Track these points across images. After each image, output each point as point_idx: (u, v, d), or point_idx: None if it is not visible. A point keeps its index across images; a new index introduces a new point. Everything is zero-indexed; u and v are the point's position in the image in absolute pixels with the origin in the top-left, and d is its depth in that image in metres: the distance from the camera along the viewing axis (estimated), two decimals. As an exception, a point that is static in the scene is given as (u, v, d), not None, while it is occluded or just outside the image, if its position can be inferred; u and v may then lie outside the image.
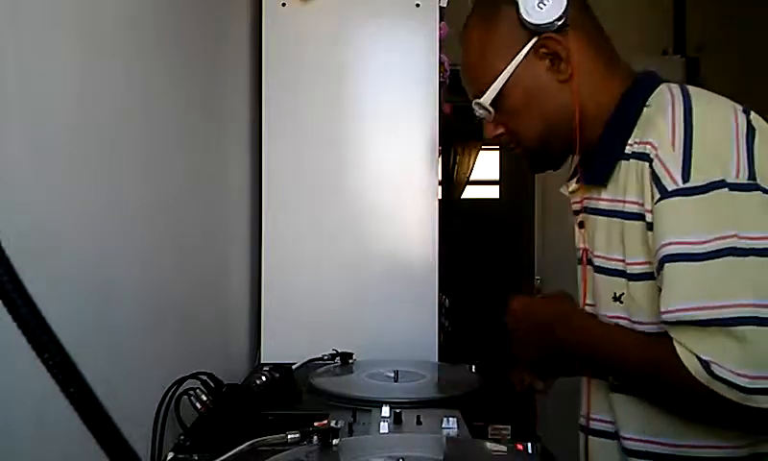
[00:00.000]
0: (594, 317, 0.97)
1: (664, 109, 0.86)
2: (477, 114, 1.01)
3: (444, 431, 0.96)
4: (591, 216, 0.98)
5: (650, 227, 0.84)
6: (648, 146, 0.85)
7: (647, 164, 0.84)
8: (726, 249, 0.77)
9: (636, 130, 0.89)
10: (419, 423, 1.00)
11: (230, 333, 1.53)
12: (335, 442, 0.85)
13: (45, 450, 0.69)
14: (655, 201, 0.83)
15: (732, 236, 0.77)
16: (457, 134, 5.58)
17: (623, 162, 0.90)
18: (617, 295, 0.92)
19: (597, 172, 0.94)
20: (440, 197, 1.69)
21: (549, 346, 1.00)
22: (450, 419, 0.97)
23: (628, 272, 0.89)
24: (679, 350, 0.79)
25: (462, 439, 0.94)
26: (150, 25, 1.00)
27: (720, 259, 0.77)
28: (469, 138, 5.84)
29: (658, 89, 0.91)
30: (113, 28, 0.86)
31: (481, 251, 5.42)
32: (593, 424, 1.00)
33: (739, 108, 0.87)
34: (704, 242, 0.78)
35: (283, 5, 1.61)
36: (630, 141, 0.89)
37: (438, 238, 1.63)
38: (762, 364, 0.74)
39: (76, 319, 0.74)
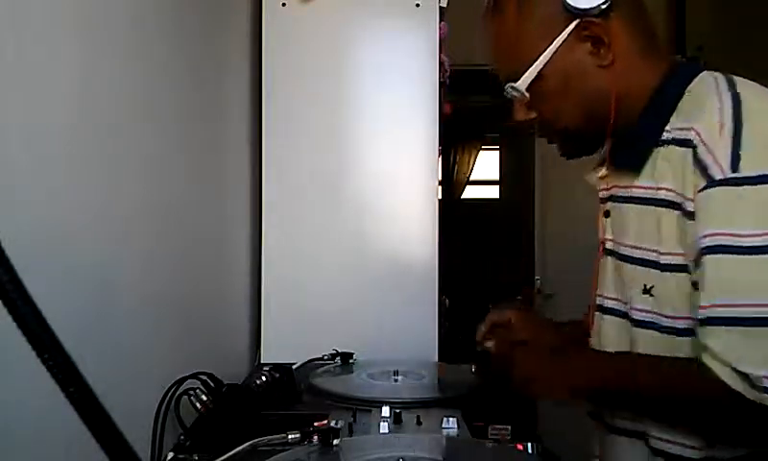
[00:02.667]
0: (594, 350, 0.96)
1: (709, 96, 0.83)
2: (508, 97, 0.96)
3: (444, 431, 0.96)
4: (622, 205, 0.93)
5: (689, 216, 0.80)
6: (692, 132, 0.81)
7: (690, 151, 0.81)
8: None
9: (674, 116, 0.86)
10: (419, 423, 1.00)
11: (230, 333, 1.53)
12: (335, 442, 0.85)
13: (45, 450, 0.69)
14: (699, 189, 0.79)
15: None
16: (457, 134, 5.59)
17: (660, 149, 0.86)
18: (647, 287, 0.87)
19: (632, 158, 0.90)
20: (440, 197, 1.69)
21: (558, 366, 0.94)
22: (450, 419, 0.97)
23: (661, 263, 0.85)
24: (708, 361, 0.75)
25: (462, 439, 0.94)
26: (150, 25, 0.99)
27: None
28: (469, 138, 5.85)
29: (700, 76, 0.87)
30: (113, 28, 0.86)
31: (481, 251, 5.42)
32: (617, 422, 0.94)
33: None
34: (753, 235, 0.74)
35: (283, 5, 1.61)
36: (667, 128, 0.86)
37: (438, 238, 1.63)
38: None
39: (76, 319, 0.74)
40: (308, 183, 1.62)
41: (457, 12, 1.74)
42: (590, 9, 0.87)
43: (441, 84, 1.65)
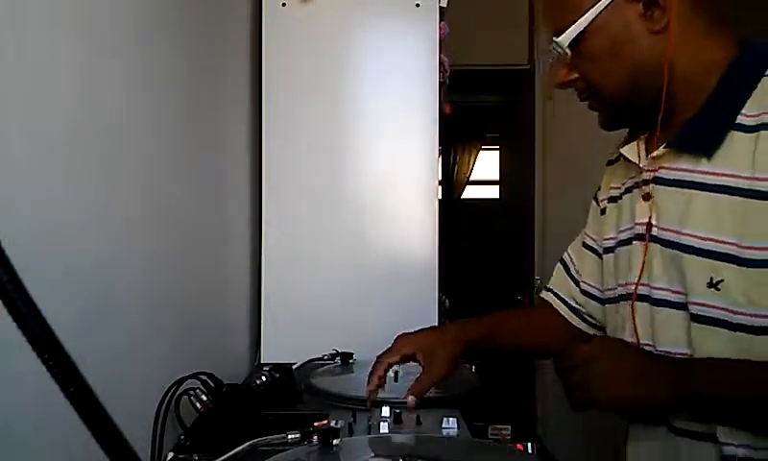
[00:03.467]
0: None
1: None
2: (552, 54, 0.90)
3: (444, 431, 0.96)
4: (677, 189, 0.85)
5: (756, 196, 0.75)
6: None
7: None
8: None
9: (751, 100, 0.79)
10: (419, 423, 1.00)
11: (230, 333, 1.53)
12: (335, 442, 0.85)
13: (45, 450, 0.69)
14: None
15: None
16: (457, 134, 5.59)
17: (738, 134, 0.79)
18: (714, 281, 0.80)
19: (701, 140, 0.82)
20: (440, 197, 1.69)
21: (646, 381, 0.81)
22: (450, 419, 0.97)
23: (744, 257, 0.77)
24: None
25: (462, 439, 0.94)
26: (150, 25, 1.00)
27: None
28: (469, 138, 5.86)
29: None
30: (114, 28, 0.86)
31: (481, 251, 5.42)
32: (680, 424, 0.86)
33: None
34: None
35: (283, 5, 1.61)
36: (746, 112, 0.79)
37: (438, 238, 1.63)
38: None
39: (76, 319, 0.74)
40: (308, 183, 1.62)
41: (457, 12, 1.74)
42: None
43: (441, 84, 1.65)
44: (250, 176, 1.64)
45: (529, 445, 0.88)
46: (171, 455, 0.89)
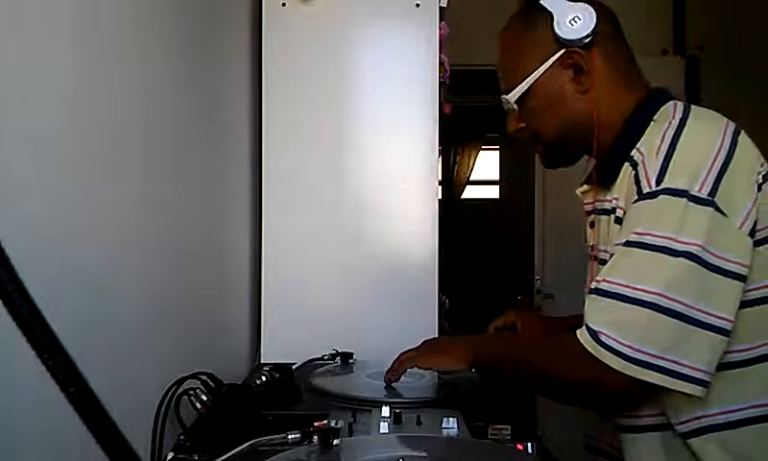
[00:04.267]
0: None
1: (662, 123, 0.95)
2: (504, 107, 1.11)
3: (444, 431, 0.96)
4: (601, 216, 1.05)
5: (618, 221, 0.96)
6: (637, 153, 0.95)
7: (632, 169, 0.94)
8: (660, 246, 0.87)
9: (641, 141, 0.97)
10: (419, 423, 1.00)
11: (230, 333, 1.53)
12: (335, 442, 0.85)
13: (45, 450, 0.69)
14: (633, 201, 0.92)
15: (670, 238, 0.87)
16: (457, 134, 5.59)
17: (627, 166, 0.97)
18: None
19: (606, 176, 1.02)
20: (440, 197, 1.69)
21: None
22: (450, 419, 0.97)
23: (600, 259, 1.04)
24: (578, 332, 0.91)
25: (462, 439, 0.94)
26: (150, 25, 0.99)
27: (650, 252, 0.88)
28: (469, 138, 5.85)
29: (665, 106, 0.99)
30: (113, 28, 0.86)
31: (481, 251, 5.42)
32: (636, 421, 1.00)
33: (731, 128, 0.93)
34: (646, 234, 0.88)
35: (283, 5, 1.61)
36: (638, 147, 0.97)
37: (438, 238, 1.63)
38: (644, 341, 0.86)
39: (76, 319, 0.74)
40: (308, 183, 1.62)
41: (457, 12, 1.74)
42: (575, 40, 1.00)
43: (441, 84, 1.65)
44: (250, 176, 1.64)
45: (529, 445, 0.88)
46: (171, 455, 0.89)
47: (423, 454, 0.86)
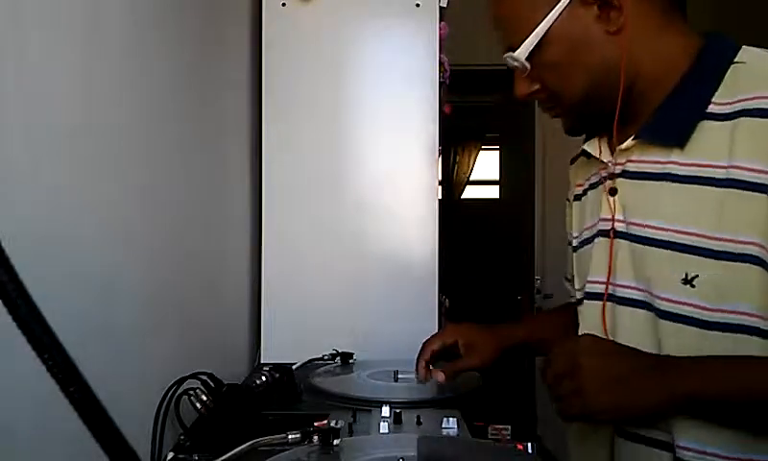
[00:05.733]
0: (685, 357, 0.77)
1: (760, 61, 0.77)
2: (510, 67, 0.89)
3: (444, 431, 0.96)
4: (645, 182, 0.83)
5: (756, 188, 0.73)
6: (756, 101, 0.74)
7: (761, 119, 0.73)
8: None
9: (721, 89, 0.78)
10: (419, 423, 1.00)
11: (230, 333, 1.53)
12: (335, 442, 0.85)
13: (45, 450, 0.69)
14: None
15: None
16: (457, 134, 5.59)
17: (709, 123, 0.78)
18: (689, 277, 0.77)
19: (672, 131, 0.81)
20: (440, 197, 1.69)
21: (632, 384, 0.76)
22: (450, 419, 0.97)
23: (720, 250, 0.75)
24: None
25: (462, 439, 0.94)
26: (150, 25, 0.99)
27: None
28: (469, 138, 5.86)
29: (743, 48, 0.80)
30: (113, 28, 0.86)
31: (481, 251, 5.42)
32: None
33: None
34: None
35: (283, 5, 1.61)
36: (717, 100, 0.78)
37: (438, 238, 1.63)
38: None
39: (76, 319, 0.74)
40: (308, 183, 1.62)
41: (457, 12, 1.75)
42: None
43: (441, 84, 1.65)
44: (250, 176, 1.64)
45: (529, 445, 0.88)
46: (171, 455, 0.89)
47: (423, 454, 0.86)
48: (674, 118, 0.81)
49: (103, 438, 0.35)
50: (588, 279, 0.90)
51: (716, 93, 0.79)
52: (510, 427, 0.95)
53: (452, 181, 5.88)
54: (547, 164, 3.53)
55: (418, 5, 1.62)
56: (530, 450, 0.87)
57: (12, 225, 0.60)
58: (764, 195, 0.73)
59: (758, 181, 0.73)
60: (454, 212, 5.14)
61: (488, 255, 5.36)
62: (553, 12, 0.81)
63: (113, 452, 0.36)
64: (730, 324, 0.75)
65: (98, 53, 0.82)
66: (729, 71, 0.79)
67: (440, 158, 1.69)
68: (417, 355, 1.16)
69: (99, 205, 0.82)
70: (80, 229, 0.78)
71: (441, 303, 1.66)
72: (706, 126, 0.78)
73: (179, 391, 0.99)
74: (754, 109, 0.74)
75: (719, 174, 0.76)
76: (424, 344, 1.17)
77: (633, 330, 0.84)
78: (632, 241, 0.84)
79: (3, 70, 0.62)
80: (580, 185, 1.01)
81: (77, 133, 0.77)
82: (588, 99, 0.86)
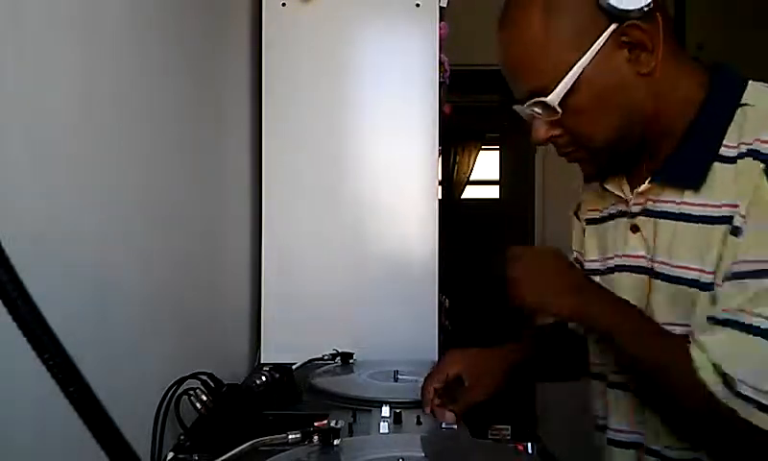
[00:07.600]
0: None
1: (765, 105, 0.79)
2: (526, 115, 0.87)
3: (445, 431, 0.96)
4: (666, 221, 0.86)
5: (735, 231, 0.76)
6: (759, 143, 0.76)
7: (760, 163, 0.76)
8: None
9: (730, 131, 0.80)
10: (419, 423, 1.00)
11: (230, 333, 1.53)
12: (335, 442, 0.85)
13: (45, 450, 0.69)
14: None
15: None
16: (457, 134, 5.59)
17: (720, 165, 0.80)
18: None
19: (687, 173, 0.83)
20: (440, 197, 1.69)
21: (560, 283, 0.88)
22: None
23: (701, 281, 0.80)
24: (695, 353, 0.75)
25: (462, 439, 0.94)
26: (150, 25, 0.99)
27: None
28: (469, 138, 5.85)
29: (750, 87, 0.82)
30: (114, 28, 0.86)
31: (481, 251, 5.42)
32: (617, 435, 0.94)
33: None
34: None
35: (283, 5, 1.61)
36: (726, 143, 0.80)
37: (438, 238, 1.63)
38: None
39: (76, 319, 0.74)
40: (308, 183, 1.62)
41: (457, 12, 1.74)
42: (632, 10, 0.78)
43: (441, 84, 1.65)
44: (250, 176, 1.64)
45: (529, 445, 0.88)
46: (171, 455, 0.89)
47: (423, 454, 0.86)
48: (688, 161, 0.83)
49: (103, 438, 0.35)
50: None
51: (726, 135, 0.80)
52: (510, 427, 0.95)
53: (452, 181, 5.87)
54: (547, 164, 3.53)
55: (418, 5, 1.62)
56: (530, 450, 0.88)
57: (12, 225, 0.60)
58: (725, 225, 0.78)
59: (724, 214, 0.78)
60: (454, 212, 5.13)
61: (488, 256, 5.36)
62: (588, 54, 0.80)
63: (113, 452, 0.36)
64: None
65: (98, 53, 0.82)
66: (737, 113, 0.80)
67: (440, 158, 1.69)
68: (421, 394, 1.07)
69: (98, 204, 0.82)
70: (79, 228, 0.78)
71: (441, 303, 1.66)
72: (716, 167, 0.80)
73: (179, 391, 0.99)
74: (753, 150, 0.77)
75: (728, 213, 0.78)
76: (426, 382, 1.07)
77: None
78: (662, 280, 0.86)
79: (3, 70, 0.62)
80: (594, 210, 1.02)
81: (77, 132, 0.77)
82: (615, 141, 0.86)
